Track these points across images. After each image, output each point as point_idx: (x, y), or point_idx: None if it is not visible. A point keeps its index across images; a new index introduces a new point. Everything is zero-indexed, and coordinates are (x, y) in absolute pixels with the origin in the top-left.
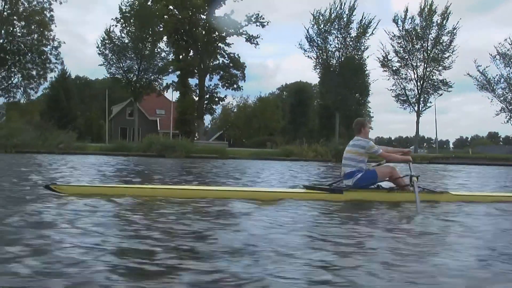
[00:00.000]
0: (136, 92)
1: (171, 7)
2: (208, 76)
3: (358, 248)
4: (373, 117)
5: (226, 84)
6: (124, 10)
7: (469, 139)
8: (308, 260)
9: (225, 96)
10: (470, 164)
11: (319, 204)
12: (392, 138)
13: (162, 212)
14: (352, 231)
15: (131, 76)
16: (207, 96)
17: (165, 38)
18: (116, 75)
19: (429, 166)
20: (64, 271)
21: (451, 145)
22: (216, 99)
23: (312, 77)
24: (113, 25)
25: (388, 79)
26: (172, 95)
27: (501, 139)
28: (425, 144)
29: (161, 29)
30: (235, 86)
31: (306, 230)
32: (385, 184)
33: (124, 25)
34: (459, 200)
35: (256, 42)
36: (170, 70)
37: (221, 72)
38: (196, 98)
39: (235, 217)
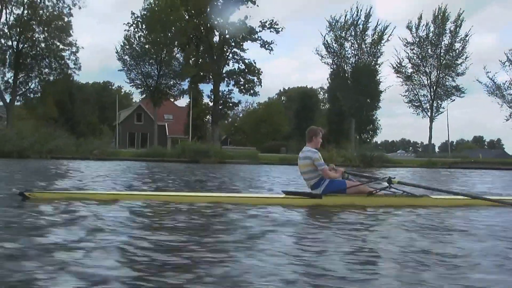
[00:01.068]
0: (156, 98)
1: (187, 12)
2: (225, 81)
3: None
4: (379, 120)
5: (243, 90)
6: (140, 15)
7: (454, 143)
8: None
9: (239, 102)
10: (487, 168)
11: (298, 210)
12: (396, 140)
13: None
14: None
15: (150, 81)
16: (221, 101)
17: (180, 43)
18: (136, 80)
19: (454, 171)
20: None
21: (437, 149)
22: (230, 104)
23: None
24: (133, 30)
25: (402, 85)
26: (179, 100)
27: (485, 143)
28: (410, 148)
29: (179, 34)
30: (251, 91)
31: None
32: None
33: (138, 30)
34: (438, 205)
35: (270, 48)
36: (189, 76)
37: (237, 78)
38: (211, 103)
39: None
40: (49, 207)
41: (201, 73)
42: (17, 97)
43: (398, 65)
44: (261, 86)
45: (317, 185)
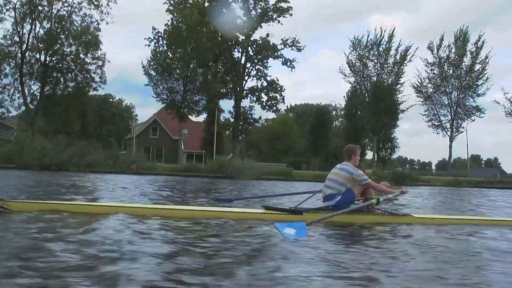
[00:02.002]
0: (181, 113)
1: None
2: (248, 97)
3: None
4: (397, 138)
5: (266, 107)
6: (164, 30)
7: (451, 161)
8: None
9: (260, 118)
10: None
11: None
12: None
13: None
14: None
15: (176, 96)
16: (242, 117)
17: (205, 60)
18: (162, 95)
19: (480, 191)
20: None
21: (433, 167)
22: (251, 120)
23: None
24: (153, 46)
25: (422, 104)
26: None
27: (483, 161)
28: (407, 165)
29: (205, 51)
30: (274, 108)
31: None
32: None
33: (159, 46)
34: (421, 223)
35: (292, 66)
36: (214, 92)
37: (259, 94)
38: (232, 119)
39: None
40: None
41: (223, 90)
42: (42, 109)
43: (419, 85)
44: (284, 103)
45: (329, 198)
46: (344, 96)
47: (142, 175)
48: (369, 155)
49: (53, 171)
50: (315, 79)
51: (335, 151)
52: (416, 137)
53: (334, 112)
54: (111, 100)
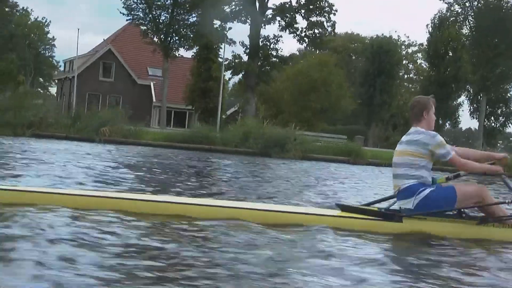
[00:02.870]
0: (167, 45)
1: None
2: (274, 21)
3: None
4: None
5: (305, 38)
6: None
7: None
8: None
9: (291, 56)
10: None
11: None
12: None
13: None
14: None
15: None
16: (261, 53)
17: None
18: (136, 11)
19: None
20: None
21: None
22: (276, 59)
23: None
24: None
25: None
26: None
27: None
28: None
29: None
30: (317, 40)
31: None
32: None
33: None
34: None
35: None
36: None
37: (292, 15)
38: (245, 57)
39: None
40: None
41: (233, 6)
42: None
43: None
44: (334, 33)
45: (407, 193)
46: (427, 26)
47: (120, 144)
48: (468, 123)
49: None
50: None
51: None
52: None
53: (404, 51)
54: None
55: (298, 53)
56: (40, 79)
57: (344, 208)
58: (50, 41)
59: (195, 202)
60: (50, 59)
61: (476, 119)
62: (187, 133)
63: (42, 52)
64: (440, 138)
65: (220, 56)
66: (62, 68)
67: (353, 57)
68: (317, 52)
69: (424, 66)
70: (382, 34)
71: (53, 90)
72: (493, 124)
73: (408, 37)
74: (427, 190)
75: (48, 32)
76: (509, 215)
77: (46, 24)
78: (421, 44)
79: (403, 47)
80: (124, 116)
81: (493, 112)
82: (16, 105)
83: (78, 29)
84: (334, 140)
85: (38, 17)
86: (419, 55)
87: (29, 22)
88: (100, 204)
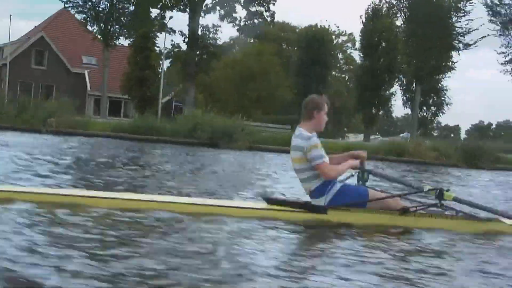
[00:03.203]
0: (107, 33)
1: None
2: (213, 11)
3: None
4: (448, 89)
5: (243, 27)
6: None
7: (493, 126)
8: None
9: (230, 44)
10: None
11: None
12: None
13: None
14: None
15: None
16: (200, 41)
17: None
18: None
19: None
20: None
21: (463, 133)
22: (213, 49)
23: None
24: None
25: (498, 36)
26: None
27: None
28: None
29: None
30: (257, 32)
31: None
32: None
33: None
34: None
35: None
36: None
37: (230, 5)
38: (184, 45)
39: None
40: None
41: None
42: None
43: (497, 3)
44: (273, 21)
45: (318, 192)
46: (361, 16)
47: (68, 135)
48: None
49: None
50: None
51: (339, 103)
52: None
53: (336, 41)
54: None
55: (231, 42)
56: None
57: (270, 201)
58: None
59: (90, 194)
60: None
61: (409, 108)
62: (136, 123)
63: None
64: (315, 140)
65: (157, 45)
66: None
67: (284, 46)
68: (251, 41)
69: (354, 57)
70: (316, 24)
71: None
72: (425, 114)
73: (338, 27)
74: (337, 186)
75: None
76: (418, 206)
77: None
78: (351, 34)
79: (333, 37)
80: (71, 107)
81: (425, 102)
82: None
83: (10, 15)
84: (278, 130)
85: None
86: (349, 44)
87: None
88: None
